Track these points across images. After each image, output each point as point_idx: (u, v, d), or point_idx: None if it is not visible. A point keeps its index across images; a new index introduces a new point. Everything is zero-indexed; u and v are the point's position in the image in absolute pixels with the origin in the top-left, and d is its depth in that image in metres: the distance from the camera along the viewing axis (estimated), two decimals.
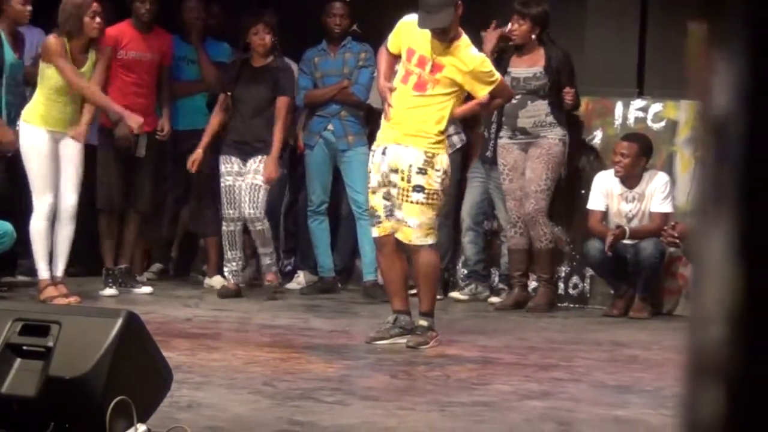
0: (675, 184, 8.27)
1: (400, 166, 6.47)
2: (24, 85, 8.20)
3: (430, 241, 6.53)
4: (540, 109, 8.32)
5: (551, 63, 8.26)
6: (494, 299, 8.75)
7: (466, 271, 9.01)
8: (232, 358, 6.01)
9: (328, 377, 5.61)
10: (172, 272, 9.69)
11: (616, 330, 7.60)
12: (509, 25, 8.53)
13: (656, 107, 8.60)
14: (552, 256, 8.48)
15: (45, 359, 3.88)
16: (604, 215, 8.32)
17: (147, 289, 8.60)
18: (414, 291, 6.80)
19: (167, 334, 6.39)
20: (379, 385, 5.52)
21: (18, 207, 8.23)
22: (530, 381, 5.68)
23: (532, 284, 8.67)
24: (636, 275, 8.17)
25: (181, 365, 5.48)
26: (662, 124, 8.58)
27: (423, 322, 6.61)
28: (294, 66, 8.97)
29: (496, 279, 9.00)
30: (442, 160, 6.51)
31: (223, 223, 8.59)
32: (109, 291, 8.39)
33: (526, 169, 8.35)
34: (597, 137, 8.76)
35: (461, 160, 8.80)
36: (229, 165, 8.53)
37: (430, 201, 6.47)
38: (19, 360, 3.95)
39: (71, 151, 7.82)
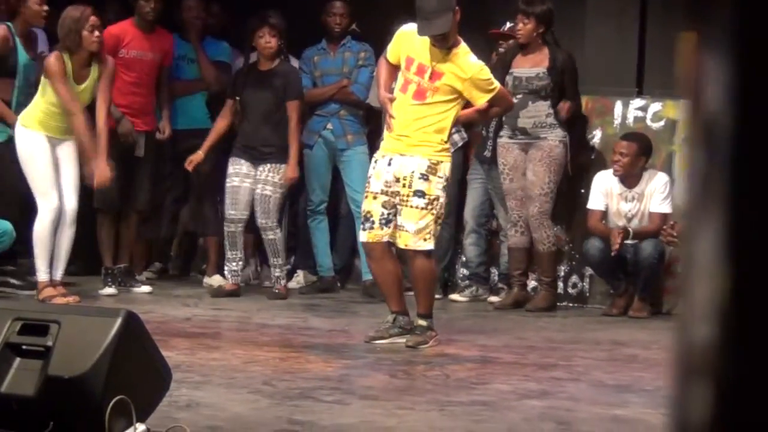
0: (674, 183, 8.27)
1: (403, 174, 6.48)
2: (36, 86, 8.20)
3: (427, 246, 6.53)
4: (541, 109, 8.32)
5: (555, 64, 8.26)
6: (493, 298, 8.75)
7: (466, 273, 9.01)
8: (231, 358, 6.02)
9: (328, 376, 5.61)
10: (172, 271, 9.69)
11: (616, 329, 7.61)
12: (506, 24, 8.54)
13: (656, 106, 8.61)
14: (554, 259, 8.49)
15: (44, 359, 3.89)
16: (604, 215, 8.32)
17: (146, 289, 8.61)
18: (412, 293, 6.79)
19: (166, 334, 6.39)
20: (378, 385, 5.52)
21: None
22: (529, 380, 5.68)
23: (532, 283, 8.68)
24: (635, 275, 8.17)
25: (181, 364, 5.48)
26: (661, 123, 8.59)
27: (422, 322, 6.61)
28: (294, 63, 8.98)
29: (496, 278, 9.00)
30: (445, 168, 6.51)
31: (225, 224, 8.59)
32: (109, 290, 8.40)
33: (527, 171, 8.35)
34: (596, 136, 8.76)
35: (462, 159, 8.79)
36: (237, 166, 8.53)
37: (429, 207, 6.47)
38: (18, 359, 3.95)
39: (68, 155, 7.82)
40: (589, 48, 8.84)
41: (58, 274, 7.88)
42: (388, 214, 6.53)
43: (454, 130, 8.17)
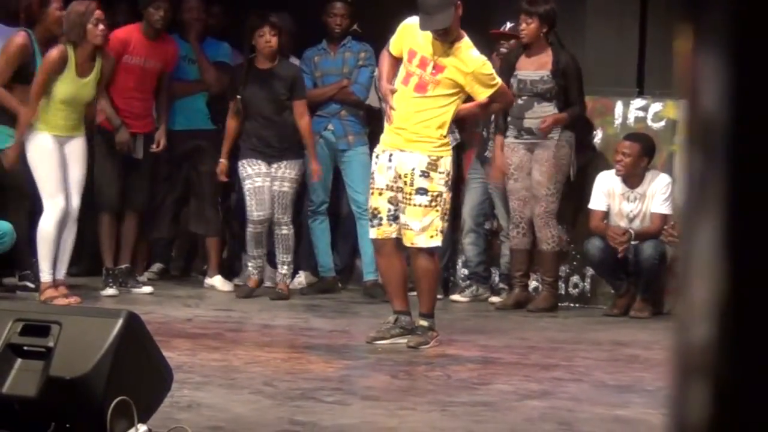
0: (675, 183, 8.28)
1: (404, 171, 6.48)
2: None
3: (432, 244, 6.53)
4: (546, 111, 8.31)
5: (558, 66, 8.25)
6: (494, 299, 8.75)
7: (467, 272, 9.00)
8: (232, 358, 6.02)
9: (329, 377, 5.61)
10: (173, 272, 9.69)
11: (617, 329, 7.61)
12: (507, 24, 8.54)
13: (656, 107, 8.61)
14: (557, 259, 8.48)
15: (46, 359, 3.89)
16: (606, 215, 8.32)
17: (147, 289, 8.61)
18: (414, 293, 6.80)
19: (168, 334, 6.39)
20: (379, 385, 5.52)
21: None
22: (531, 381, 5.68)
23: (533, 284, 8.68)
24: (637, 276, 8.17)
25: (182, 365, 5.49)
26: (662, 123, 8.58)
27: (423, 323, 6.61)
28: (295, 62, 8.98)
29: (497, 279, 9.00)
30: (446, 163, 6.52)
31: (250, 226, 8.56)
32: (110, 291, 8.40)
33: (533, 171, 8.34)
34: (597, 137, 8.76)
35: (455, 160, 8.79)
36: (256, 167, 8.51)
37: (433, 204, 6.48)
38: (19, 360, 3.96)
39: (76, 154, 7.84)
40: (589, 48, 8.83)
41: (61, 274, 7.89)
42: (395, 210, 6.55)
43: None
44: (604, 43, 8.79)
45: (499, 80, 6.62)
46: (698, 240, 1.06)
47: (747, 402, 1.03)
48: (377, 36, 7.94)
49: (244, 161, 8.55)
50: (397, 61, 6.64)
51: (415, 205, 6.47)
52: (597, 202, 8.32)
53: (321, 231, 9.01)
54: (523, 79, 8.30)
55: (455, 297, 8.87)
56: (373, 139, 8.47)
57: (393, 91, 6.52)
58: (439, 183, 6.48)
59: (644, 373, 5.97)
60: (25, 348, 3.96)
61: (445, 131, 6.52)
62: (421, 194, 6.46)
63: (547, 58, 8.30)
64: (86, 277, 8.84)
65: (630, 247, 8.14)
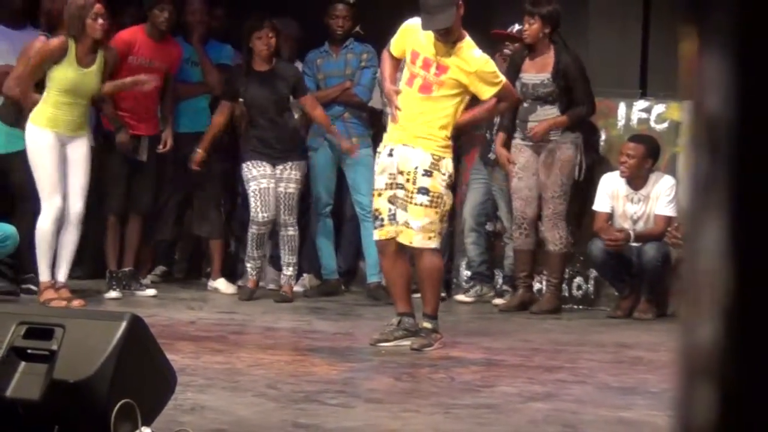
0: (678, 184, 8.27)
1: (407, 168, 6.48)
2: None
3: (432, 244, 6.53)
4: (550, 114, 8.30)
5: (559, 67, 8.24)
6: (498, 301, 8.74)
7: (469, 273, 9.00)
8: (236, 361, 6.02)
9: (332, 380, 5.61)
10: (176, 275, 9.69)
11: (621, 331, 7.60)
12: (514, 26, 8.54)
13: (659, 108, 8.60)
14: (564, 260, 8.47)
15: (49, 362, 3.89)
16: (610, 216, 8.32)
17: (151, 292, 8.61)
18: (418, 294, 6.79)
19: (171, 337, 6.39)
20: (383, 388, 5.52)
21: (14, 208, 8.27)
22: (535, 383, 5.68)
23: (537, 285, 8.67)
24: (640, 277, 8.17)
25: (185, 368, 5.48)
26: (665, 125, 8.58)
27: (427, 324, 6.61)
28: (298, 65, 8.99)
29: (500, 281, 8.99)
30: (448, 165, 6.52)
31: (253, 227, 8.57)
32: (113, 294, 8.40)
33: (539, 173, 8.34)
34: (600, 138, 8.76)
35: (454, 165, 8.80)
36: (261, 169, 8.52)
37: (434, 204, 6.48)
38: (23, 363, 3.95)
39: (79, 156, 7.84)
40: (592, 50, 8.83)
41: (61, 277, 7.88)
42: (394, 208, 6.55)
43: None
44: (607, 45, 8.79)
45: (503, 78, 6.63)
46: (703, 241, 1.06)
47: (753, 404, 1.03)
48: (379, 37, 7.95)
49: (248, 163, 8.56)
50: (398, 62, 6.65)
51: (416, 204, 6.47)
52: (601, 203, 8.32)
53: (324, 233, 9.01)
54: (526, 83, 8.30)
55: (459, 297, 8.87)
56: (376, 141, 8.49)
57: (397, 92, 6.53)
58: (440, 184, 6.48)
59: (648, 374, 5.97)
60: (29, 351, 3.96)
61: (449, 132, 6.53)
62: (423, 194, 6.46)
63: (549, 60, 8.29)
64: (89, 279, 8.84)
65: (633, 248, 8.13)
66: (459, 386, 5.57)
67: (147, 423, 3.88)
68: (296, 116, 8.90)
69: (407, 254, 6.67)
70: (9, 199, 8.32)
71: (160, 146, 8.61)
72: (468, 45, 6.49)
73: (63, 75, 7.71)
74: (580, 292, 8.78)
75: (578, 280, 8.77)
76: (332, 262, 9.05)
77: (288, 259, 8.62)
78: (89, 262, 8.90)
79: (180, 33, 8.99)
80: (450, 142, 6.58)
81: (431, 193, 6.47)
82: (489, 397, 5.30)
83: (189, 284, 9.35)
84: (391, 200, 6.55)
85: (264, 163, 8.52)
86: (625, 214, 8.27)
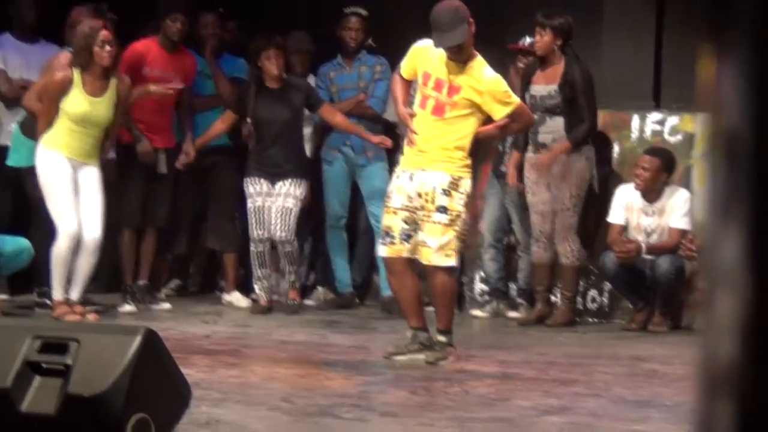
0: (692, 197, 8.25)
1: (425, 189, 6.47)
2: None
3: (450, 262, 6.51)
4: (558, 125, 8.29)
5: (567, 79, 8.23)
6: (513, 314, 8.72)
7: (486, 288, 8.98)
8: (250, 375, 6.02)
9: (347, 393, 5.60)
10: (191, 288, 9.69)
11: (636, 344, 7.58)
12: (526, 39, 8.53)
13: (673, 120, 8.58)
14: (577, 273, 8.45)
15: (64, 377, 3.89)
16: (624, 229, 8.30)
17: (166, 306, 8.61)
18: (431, 308, 6.78)
19: (186, 351, 6.39)
20: (398, 401, 5.51)
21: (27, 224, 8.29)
22: (550, 396, 5.66)
23: (553, 298, 8.64)
24: (654, 290, 8.15)
25: (200, 382, 5.48)
26: (679, 137, 8.56)
27: (441, 338, 6.59)
28: (311, 80, 9.00)
29: (515, 293, 8.97)
30: (466, 184, 6.51)
31: (253, 244, 8.59)
32: (128, 307, 8.40)
33: (551, 186, 8.33)
34: (614, 150, 8.74)
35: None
36: (258, 186, 8.55)
37: (451, 222, 6.46)
38: (38, 378, 3.96)
39: (92, 181, 7.82)
40: (606, 62, 8.82)
41: (75, 295, 7.86)
42: (409, 229, 6.53)
43: None
44: (621, 57, 8.78)
45: (516, 98, 6.61)
46: (723, 254, 1.05)
47: None
48: (392, 49, 7.95)
49: (247, 179, 8.60)
50: (409, 84, 6.65)
51: (434, 222, 6.46)
52: (616, 215, 8.31)
53: (339, 246, 9.01)
54: (535, 95, 8.30)
55: (475, 312, 8.84)
56: (391, 153, 8.49)
57: (412, 115, 6.52)
58: (458, 203, 6.47)
59: (663, 388, 5.95)
60: (44, 365, 3.97)
61: (466, 152, 6.51)
62: (441, 212, 6.45)
63: (558, 71, 8.29)
64: (104, 293, 8.85)
65: (647, 261, 8.11)
66: (474, 400, 5.56)
67: None
68: (307, 131, 8.91)
69: (416, 269, 6.65)
70: (27, 211, 8.34)
71: (182, 157, 8.61)
72: (479, 64, 6.48)
73: (73, 105, 7.70)
74: (595, 304, 8.76)
75: (593, 292, 8.75)
76: (346, 276, 9.05)
77: (288, 268, 8.64)
78: (104, 276, 8.91)
79: (193, 47, 9.00)
80: (468, 161, 6.55)
81: (449, 212, 6.45)
82: (504, 410, 5.29)
83: (203, 298, 9.35)
84: (407, 221, 6.53)
85: (261, 181, 8.54)
86: (639, 227, 8.25)
